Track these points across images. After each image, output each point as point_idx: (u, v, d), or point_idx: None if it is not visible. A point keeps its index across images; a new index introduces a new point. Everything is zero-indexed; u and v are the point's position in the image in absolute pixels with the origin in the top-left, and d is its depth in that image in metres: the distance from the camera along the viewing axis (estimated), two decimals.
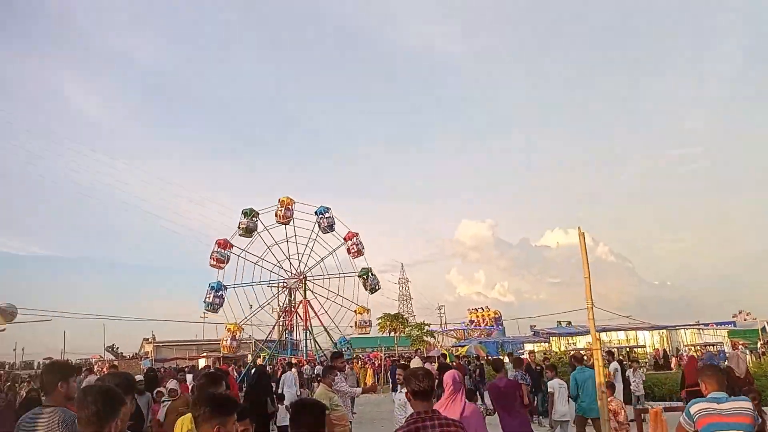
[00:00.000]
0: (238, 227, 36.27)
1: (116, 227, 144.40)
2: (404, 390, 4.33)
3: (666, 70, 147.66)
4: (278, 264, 37.65)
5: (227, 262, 35.79)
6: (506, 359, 15.87)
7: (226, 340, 35.02)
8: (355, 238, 38.07)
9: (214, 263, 35.36)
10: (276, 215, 36.72)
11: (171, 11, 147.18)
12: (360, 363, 34.10)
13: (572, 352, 23.99)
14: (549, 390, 10.99)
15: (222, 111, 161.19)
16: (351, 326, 37.28)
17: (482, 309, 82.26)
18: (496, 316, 78.24)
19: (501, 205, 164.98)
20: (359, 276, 37.88)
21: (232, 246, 35.94)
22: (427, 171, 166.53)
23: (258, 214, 36.73)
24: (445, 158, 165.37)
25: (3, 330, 14.78)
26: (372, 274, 38.32)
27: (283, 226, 37.47)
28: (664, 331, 39.28)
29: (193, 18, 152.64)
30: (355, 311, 37.17)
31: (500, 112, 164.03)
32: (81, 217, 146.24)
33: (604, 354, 15.62)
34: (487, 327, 75.37)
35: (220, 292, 34.90)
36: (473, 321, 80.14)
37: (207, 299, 34.69)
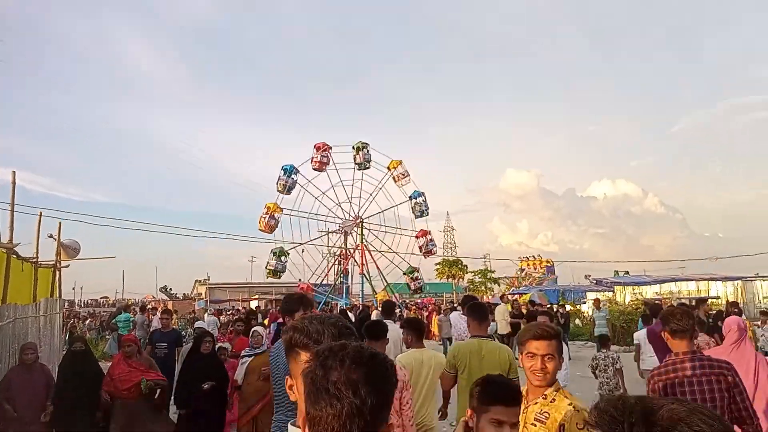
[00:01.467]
0: (277, 184, 35.33)
1: (169, 176, 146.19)
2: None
3: (728, 17, 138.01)
4: (332, 212, 36.75)
5: (277, 225, 34.94)
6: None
7: (264, 217, 34.58)
8: (399, 167, 36.64)
9: (265, 228, 34.49)
10: (312, 161, 35.50)
11: None
12: (414, 310, 33.21)
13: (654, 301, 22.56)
14: (635, 341, 9.93)
15: (272, 66, 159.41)
16: (416, 261, 36.63)
17: (533, 257, 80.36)
18: (548, 264, 76.29)
19: (548, 154, 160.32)
20: (410, 198, 36.72)
21: (281, 209, 34.92)
22: (473, 120, 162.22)
23: (298, 170, 35.51)
24: (493, 107, 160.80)
25: (67, 266, 14.04)
26: (422, 200, 37.00)
27: (327, 174, 36.36)
28: (739, 282, 36.93)
29: None
30: (417, 236, 36.27)
31: (548, 61, 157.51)
32: (138, 166, 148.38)
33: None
34: (539, 276, 73.76)
35: (283, 257, 34.18)
36: (523, 269, 78.56)
37: (269, 266, 34.06)
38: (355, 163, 36.16)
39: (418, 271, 37.22)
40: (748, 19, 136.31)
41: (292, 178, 35.21)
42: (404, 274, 36.79)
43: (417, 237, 37.04)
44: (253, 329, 7.93)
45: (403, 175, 36.66)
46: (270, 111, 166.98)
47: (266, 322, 14.52)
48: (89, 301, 74.90)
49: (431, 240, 37.36)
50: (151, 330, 14.08)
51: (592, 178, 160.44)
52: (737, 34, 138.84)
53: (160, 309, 34.85)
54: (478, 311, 5.19)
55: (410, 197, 36.87)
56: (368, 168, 36.67)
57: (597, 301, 17.18)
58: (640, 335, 9.73)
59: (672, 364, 3.40)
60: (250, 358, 7.23)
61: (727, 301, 23.76)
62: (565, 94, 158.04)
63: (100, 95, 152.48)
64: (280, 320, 8.78)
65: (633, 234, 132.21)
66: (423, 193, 37.05)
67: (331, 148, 35.64)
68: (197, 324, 9.44)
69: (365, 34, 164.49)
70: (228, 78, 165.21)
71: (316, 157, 35.12)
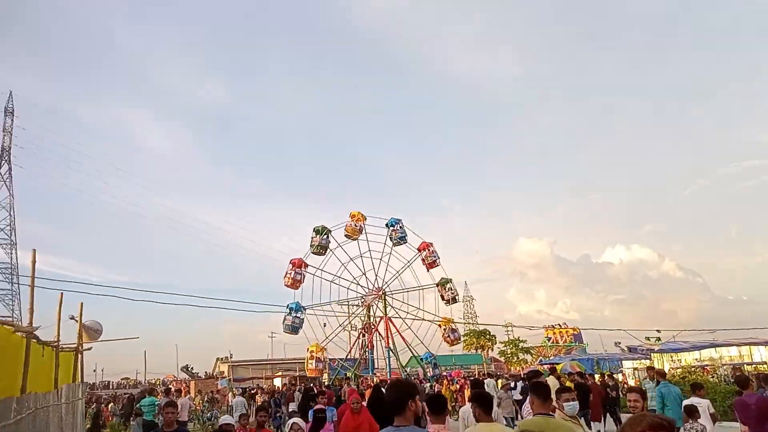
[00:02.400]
0: (311, 245, 35.22)
1: (187, 257, 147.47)
2: None
3: (728, 83, 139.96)
4: (355, 280, 36.37)
5: (303, 281, 34.65)
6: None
7: (311, 362, 33.51)
8: (429, 248, 36.52)
9: (290, 283, 34.20)
10: (346, 229, 35.50)
11: (229, 53, 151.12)
12: (445, 383, 31.96)
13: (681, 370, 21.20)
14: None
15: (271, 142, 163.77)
16: (437, 341, 35.55)
17: (559, 325, 78.16)
18: (575, 332, 74.02)
19: (558, 222, 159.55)
20: (438, 285, 36.27)
21: (306, 265, 34.79)
22: (482, 191, 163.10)
23: (330, 231, 35.58)
24: (499, 178, 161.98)
25: (89, 349, 13.59)
26: (452, 285, 36.53)
27: (356, 242, 36.27)
28: None
29: (251, 58, 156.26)
30: (440, 324, 35.31)
31: (552, 132, 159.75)
32: (154, 247, 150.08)
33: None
34: (566, 344, 71.47)
35: (299, 313, 33.65)
36: (550, 338, 76.28)
37: (286, 321, 33.49)
38: (390, 239, 36.24)
39: (451, 282, 36.97)
40: (758, 80, 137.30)
41: (325, 239, 35.24)
42: (437, 285, 36.67)
43: (419, 250, 36.81)
44: (291, 422, 6.64)
45: (433, 263, 36.72)
46: (282, 191, 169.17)
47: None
48: (111, 383, 73.82)
49: (434, 252, 36.76)
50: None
51: (605, 244, 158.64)
52: (743, 96, 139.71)
53: (184, 389, 34.00)
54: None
55: (386, 224, 36.88)
56: (403, 244, 36.71)
57: (652, 370, 14.15)
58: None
59: None
60: None
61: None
62: (571, 160, 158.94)
63: (118, 178, 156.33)
64: (318, 406, 8.16)
65: (653, 299, 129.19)
66: (450, 280, 37.11)
67: (366, 218, 35.92)
68: (222, 420, 7.41)
69: (378, 113, 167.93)
70: (242, 157, 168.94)
71: (351, 224, 35.34)
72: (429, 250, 36.61)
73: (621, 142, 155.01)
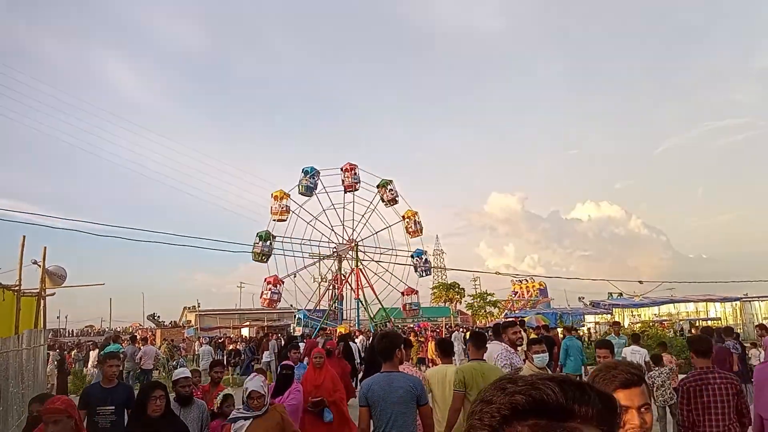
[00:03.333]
0: (299, 184, 34.79)
1: (156, 204, 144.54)
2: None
3: (710, 40, 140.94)
4: (324, 237, 36.20)
5: (279, 300, 34.24)
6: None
7: (266, 293, 33.43)
8: (415, 217, 36.56)
9: (266, 303, 33.83)
10: (271, 212, 34.97)
11: None
12: (413, 334, 32.42)
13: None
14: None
15: (253, 88, 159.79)
16: (413, 282, 36.01)
17: (526, 280, 79.71)
18: (541, 287, 75.59)
19: (531, 177, 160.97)
20: (378, 186, 36.39)
21: (273, 237, 34.30)
22: (457, 144, 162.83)
23: (319, 173, 35.19)
24: (475, 131, 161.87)
25: (53, 294, 13.23)
26: (392, 187, 36.61)
27: (317, 198, 35.99)
28: (738, 302, 36.60)
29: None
30: (403, 293, 35.60)
31: (529, 86, 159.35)
32: (125, 193, 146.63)
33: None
34: (532, 298, 73.11)
35: (269, 242, 33.44)
36: (516, 292, 77.86)
37: (255, 249, 33.25)
38: (344, 186, 35.85)
39: (391, 183, 37.03)
40: (723, 42, 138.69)
41: (284, 204, 34.71)
42: (411, 257, 36.76)
43: (404, 218, 37.06)
44: (249, 389, 5.13)
45: (393, 200, 36.53)
46: (249, 136, 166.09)
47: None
48: (74, 331, 73.09)
49: (419, 222, 37.13)
50: (92, 381, 11.39)
51: (575, 201, 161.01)
52: (713, 58, 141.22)
53: (150, 336, 33.82)
54: (479, 339, 6.25)
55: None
56: (357, 190, 36.36)
57: (617, 326, 15.56)
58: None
59: (698, 375, 4.88)
60: (247, 422, 5.05)
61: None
62: (545, 118, 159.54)
63: (88, 121, 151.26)
64: (285, 362, 7.91)
65: (619, 255, 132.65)
66: (391, 181, 37.20)
67: (319, 172, 35.28)
68: (177, 373, 6.45)
69: (346, 55, 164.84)
70: (211, 105, 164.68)
71: (275, 206, 34.67)
72: (415, 218, 36.70)
73: (600, 99, 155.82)
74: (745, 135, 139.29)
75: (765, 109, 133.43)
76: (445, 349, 6.55)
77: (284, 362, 7.85)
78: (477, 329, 11.96)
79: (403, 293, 35.79)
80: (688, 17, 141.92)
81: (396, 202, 36.76)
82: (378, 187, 36.44)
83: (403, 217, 36.57)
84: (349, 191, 36.15)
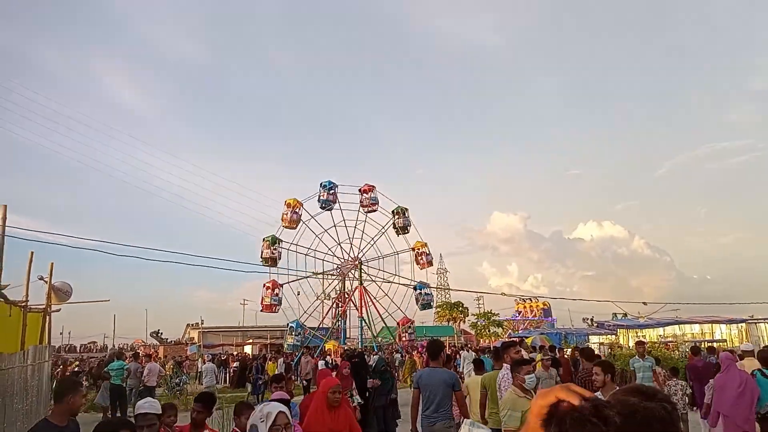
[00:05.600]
0: (282, 219, 34.75)
1: (164, 220, 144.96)
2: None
3: (708, 61, 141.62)
4: (330, 251, 36.21)
5: (280, 258, 34.26)
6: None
7: (266, 299, 33.19)
8: (425, 248, 36.58)
9: (265, 308, 33.82)
10: (282, 219, 34.90)
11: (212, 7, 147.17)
12: (416, 354, 32.30)
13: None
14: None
15: (256, 105, 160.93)
16: (412, 310, 35.95)
17: (530, 300, 79.37)
18: (545, 307, 75.26)
19: (533, 197, 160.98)
20: (393, 212, 36.41)
21: (281, 241, 34.39)
22: (459, 163, 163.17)
23: (302, 204, 35.15)
24: (477, 150, 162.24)
25: (58, 311, 13.29)
26: (428, 292, 36.63)
27: (330, 213, 35.99)
28: (743, 324, 36.37)
29: (231, 14, 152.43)
30: (399, 322, 35.56)
31: (530, 105, 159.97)
32: (132, 210, 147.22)
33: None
34: (535, 318, 72.73)
35: (276, 290, 33.33)
36: (520, 312, 77.50)
37: (265, 300, 33.16)
38: (361, 206, 35.94)
39: (407, 211, 37.00)
40: (721, 64, 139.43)
41: (297, 213, 34.84)
42: (412, 249, 36.79)
43: (394, 214, 36.76)
44: (268, 411, 3.65)
45: (404, 228, 36.57)
46: (262, 154, 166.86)
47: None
48: (78, 347, 72.96)
49: (407, 218, 36.94)
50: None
51: (578, 221, 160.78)
52: (711, 79, 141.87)
53: (153, 354, 33.70)
54: (432, 349, 7.57)
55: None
56: (375, 211, 36.42)
57: (641, 346, 12.72)
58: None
59: None
60: None
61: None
62: (547, 138, 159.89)
63: (92, 136, 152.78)
64: (277, 393, 6.62)
65: (622, 276, 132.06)
66: (407, 209, 37.12)
67: (302, 204, 35.34)
68: (140, 407, 4.90)
69: (346, 72, 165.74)
70: (223, 121, 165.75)
71: (287, 214, 34.66)
72: (404, 215, 36.61)
73: (601, 119, 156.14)
74: (745, 157, 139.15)
75: (764, 131, 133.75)
76: (434, 352, 7.47)
77: (278, 394, 6.42)
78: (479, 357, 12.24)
79: (399, 323, 35.62)
80: (683, 37, 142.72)
81: (407, 231, 36.75)
82: (393, 213, 36.60)
83: (413, 248, 36.52)
84: (369, 211, 36.37)
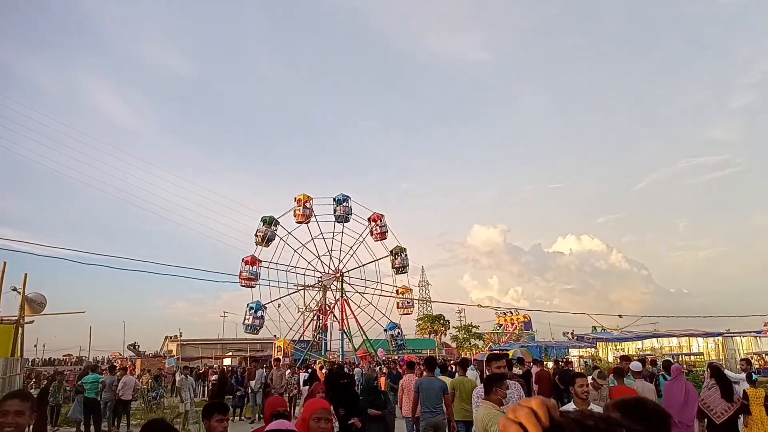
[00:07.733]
0: (255, 236, 34.47)
1: (142, 232, 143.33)
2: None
3: (689, 77, 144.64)
4: (311, 265, 36.14)
5: (258, 279, 34.14)
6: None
7: (244, 272, 33.75)
8: (380, 221, 36.60)
9: (245, 283, 33.64)
10: (294, 214, 34.99)
11: (195, 21, 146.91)
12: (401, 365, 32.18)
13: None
14: None
15: (242, 118, 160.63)
16: (395, 318, 35.95)
17: (511, 312, 79.61)
18: (526, 320, 75.56)
19: (513, 210, 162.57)
20: (391, 252, 36.52)
21: (260, 261, 34.23)
22: (439, 176, 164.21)
23: (278, 222, 35.02)
24: (458, 163, 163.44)
25: (31, 322, 13.04)
26: (405, 255, 36.78)
27: (307, 226, 35.95)
28: (720, 338, 36.78)
29: (215, 28, 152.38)
30: (397, 291, 35.74)
31: (513, 119, 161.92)
32: (109, 219, 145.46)
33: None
34: (516, 331, 72.91)
35: (260, 312, 33.13)
36: (501, 324, 77.68)
37: (246, 321, 32.94)
38: (335, 216, 35.91)
39: (405, 251, 37.28)
40: (702, 80, 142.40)
41: (272, 230, 34.60)
42: (391, 253, 37.18)
43: (370, 221, 37.14)
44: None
45: (381, 234, 36.71)
46: (240, 165, 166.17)
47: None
48: (52, 359, 71.56)
49: (384, 224, 37.29)
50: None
51: (557, 234, 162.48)
52: (692, 94, 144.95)
53: (130, 366, 32.98)
54: (428, 363, 9.88)
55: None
56: (348, 221, 36.42)
57: (626, 361, 11.17)
58: None
59: None
60: None
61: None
62: (527, 153, 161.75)
63: (74, 148, 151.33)
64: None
65: (601, 289, 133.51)
66: (405, 249, 37.06)
67: (311, 199, 35.34)
68: None
69: (333, 87, 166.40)
70: (200, 133, 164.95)
71: (299, 210, 34.69)
72: (379, 222, 36.73)
73: (582, 134, 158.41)
74: (723, 172, 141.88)
75: (743, 146, 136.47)
76: (430, 365, 9.68)
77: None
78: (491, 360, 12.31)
79: (397, 292, 36.02)
80: (666, 54, 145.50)
81: (385, 237, 36.89)
82: (392, 252, 36.89)
83: (391, 252, 36.68)
84: (379, 239, 36.60)
